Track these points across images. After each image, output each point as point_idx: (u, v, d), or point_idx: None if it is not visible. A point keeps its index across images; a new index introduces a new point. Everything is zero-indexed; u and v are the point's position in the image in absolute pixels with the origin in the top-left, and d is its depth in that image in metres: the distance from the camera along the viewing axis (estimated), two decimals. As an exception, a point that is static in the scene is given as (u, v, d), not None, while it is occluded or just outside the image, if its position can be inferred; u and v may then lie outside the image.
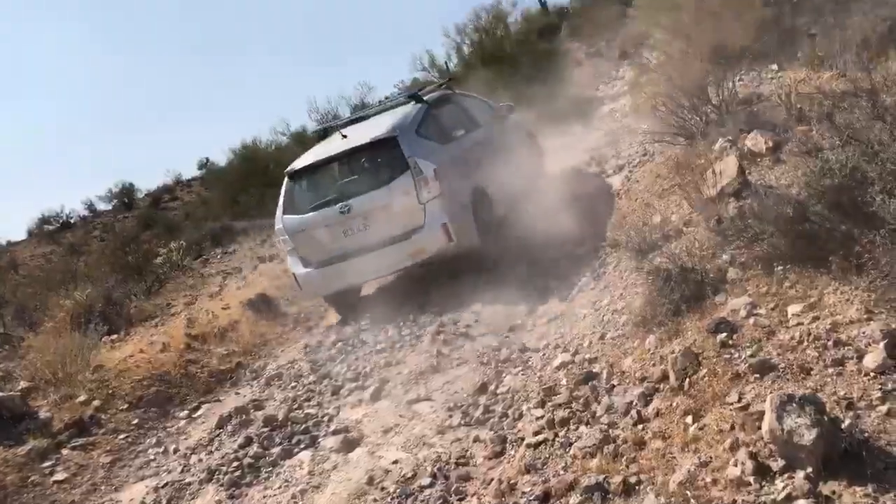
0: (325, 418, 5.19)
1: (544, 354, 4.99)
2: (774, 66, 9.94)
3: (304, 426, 5.14)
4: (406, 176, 6.94)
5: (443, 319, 6.29)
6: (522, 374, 4.86)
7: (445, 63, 21.37)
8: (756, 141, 6.11)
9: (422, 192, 6.91)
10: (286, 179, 7.75)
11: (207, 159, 37.73)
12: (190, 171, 41.59)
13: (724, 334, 3.58)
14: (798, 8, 11.54)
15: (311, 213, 7.34)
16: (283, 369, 6.42)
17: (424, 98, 8.24)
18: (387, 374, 5.55)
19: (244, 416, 5.56)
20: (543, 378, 4.62)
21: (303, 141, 21.20)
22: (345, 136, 7.65)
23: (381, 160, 7.23)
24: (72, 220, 36.09)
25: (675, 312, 4.19)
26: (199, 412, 6.05)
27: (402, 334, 6.23)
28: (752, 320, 3.62)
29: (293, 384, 5.96)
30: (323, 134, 8.90)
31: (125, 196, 37.80)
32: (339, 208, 7.11)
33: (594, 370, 4.32)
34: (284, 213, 7.52)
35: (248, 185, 21.27)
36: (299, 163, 7.77)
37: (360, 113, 9.56)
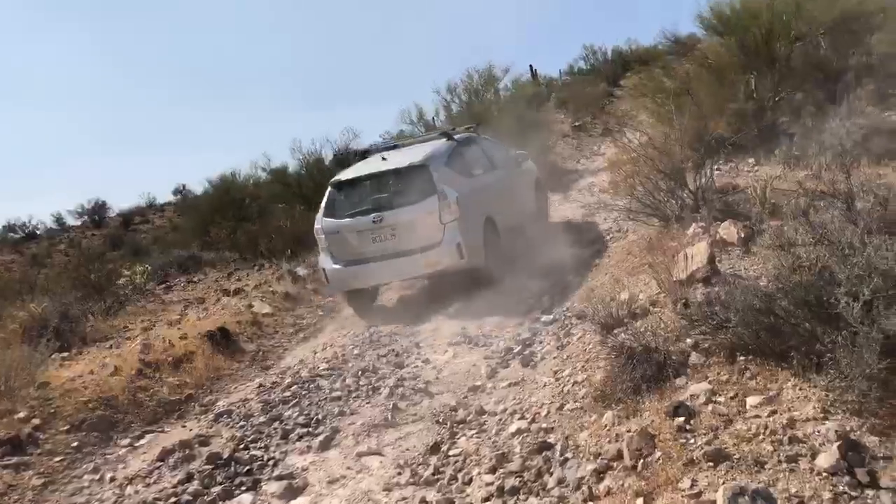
0: (271, 462, 5.06)
1: (501, 419, 4.93)
2: (752, 160, 10.19)
3: (248, 468, 4.99)
4: (433, 199, 8.09)
5: (402, 373, 6.23)
6: (477, 438, 4.79)
7: (433, 118, 21.63)
8: (729, 230, 6.22)
9: (444, 214, 8.05)
10: (330, 188, 8.91)
11: (184, 186, 37.63)
12: (165, 196, 41.40)
13: (682, 418, 3.57)
14: (778, 107, 11.91)
15: (347, 219, 8.48)
16: (233, 406, 6.28)
17: (454, 137, 9.58)
18: (339, 423, 5.44)
19: (188, 451, 5.40)
20: (498, 443, 4.55)
21: (283, 179, 21.23)
22: (384, 159, 9.01)
23: (414, 183, 8.29)
24: (38, 231, 35.50)
25: (635, 391, 4.18)
26: (142, 441, 5.85)
27: (360, 384, 6.15)
28: (710, 407, 3.62)
29: (242, 423, 5.81)
30: (363, 155, 10.36)
31: (96, 213, 37.40)
32: (372, 217, 8.25)
33: (549, 441, 4.28)
34: (324, 216, 8.67)
35: (221, 216, 21.16)
36: (343, 175, 9.03)
37: (398, 142, 11.02)
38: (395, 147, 10.08)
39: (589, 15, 73.17)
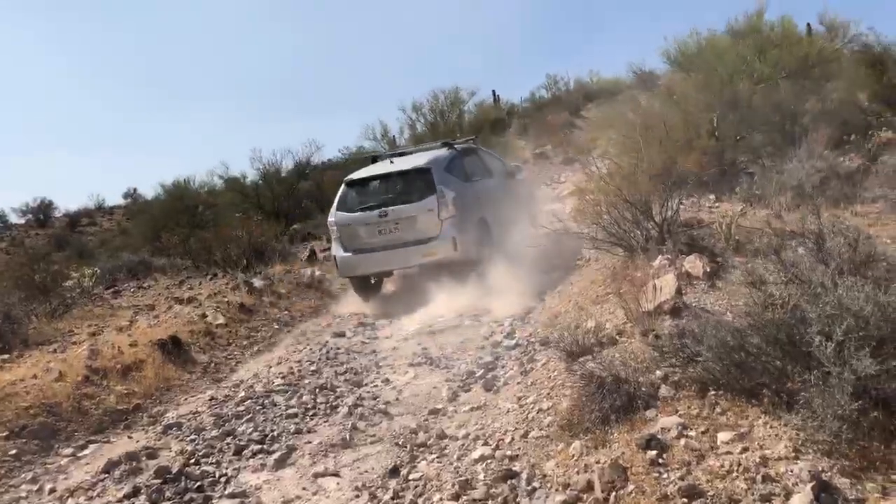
0: (223, 478, 4.85)
1: (463, 444, 4.82)
2: (712, 197, 10.34)
3: (198, 484, 4.78)
4: (433, 198, 9.17)
5: (361, 392, 6.10)
6: (438, 462, 4.67)
7: (394, 137, 21.63)
8: (694, 264, 6.25)
9: (442, 211, 9.11)
10: (343, 185, 10.09)
11: (135, 190, 36.93)
12: (115, 199, 40.51)
13: (655, 451, 3.52)
14: (739, 146, 12.14)
15: (357, 213, 9.64)
16: (183, 419, 6.04)
17: (455, 146, 10.76)
18: (296, 441, 5.27)
19: (134, 463, 5.16)
20: (460, 469, 4.44)
21: (241, 188, 20.97)
22: (392, 162, 10.21)
23: (417, 183, 9.45)
24: (-22, 228, 34.41)
25: (604, 421, 4.12)
26: (86, 452, 5.57)
27: (317, 402, 5.99)
28: (682, 441, 3.58)
29: (193, 436, 5.58)
30: (374, 159, 11.40)
31: (41, 212, 36.36)
32: (378, 212, 9.40)
33: (515, 468, 4.18)
34: (337, 209, 9.83)
35: (173, 222, 20.78)
36: (356, 175, 10.22)
37: (405, 149, 12.47)
38: (402, 154, 11.10)
39: (553, 44, 74.17)
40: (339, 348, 7.67)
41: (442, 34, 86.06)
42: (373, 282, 10.35)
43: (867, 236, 4.16)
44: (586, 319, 6.15)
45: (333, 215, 9.83)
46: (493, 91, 28.15)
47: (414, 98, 21.98)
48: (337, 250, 9.82)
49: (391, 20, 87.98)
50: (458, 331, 7.55)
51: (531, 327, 7.06)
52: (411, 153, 11.00)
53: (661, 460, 3.48)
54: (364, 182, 10.03)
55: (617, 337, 5.38)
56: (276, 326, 8.93)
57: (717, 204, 9.93)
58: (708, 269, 6.16)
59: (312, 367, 7.02)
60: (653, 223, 7.29)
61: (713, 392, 3.99)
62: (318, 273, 10.87)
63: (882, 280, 3.75)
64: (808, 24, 14.47)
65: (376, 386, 6.29)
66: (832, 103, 12.66)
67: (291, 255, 13.18)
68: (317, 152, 22.51)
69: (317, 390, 6.25)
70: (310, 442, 5.23)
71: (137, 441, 5.70)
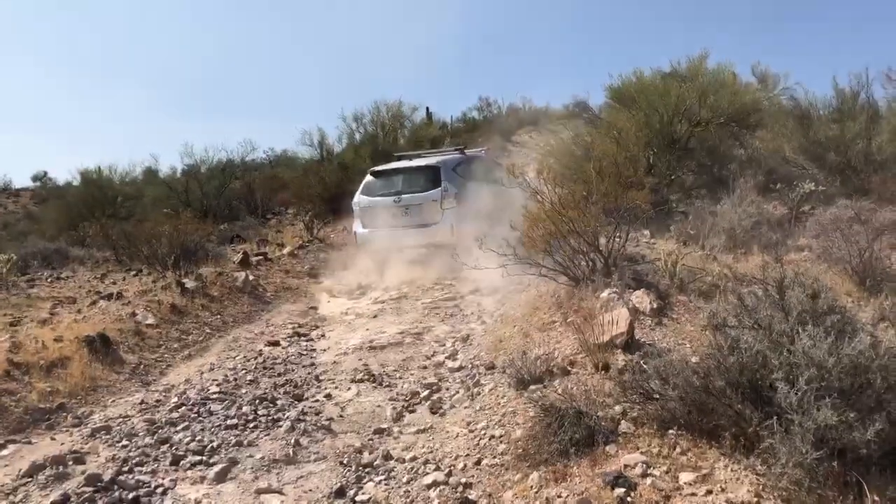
0: (160, 489, 4.60)
1: (412, 468, 4.71)
2: (647, 233, 10.57)
3: (133, 494, 4.51)
4: (438, 190, 11.22)
5: (303, 407, 5.92)
6: (386, 485, 4.55)
7: (332, 145, 21.43)
8: (642, 300, 6.36)
9: (444, 202, 11.12)
10: (368, 174, 12.39)
11: (45, 173, 35.27)
12: (23, 181, 38.59)
13: (623, 489, 3.52)
14: (673, 185, 12.49)
15: (377, 198, 11.79)
16: (112, 422, 5.72)
17: (465, 152, 13.14)
18: (237, 454, 5.05)
19: (61, 468, 4.84)
20: (411, 494, 4.35)
21: (166, 183, 20.29)
22: (410, 160, 12.76)
23: (427, 178, 11.53)
24: None
25: (563, 454, 4.11)
26: (5, 452, 5.19)
27: (258, 413, 5.77)
28: (648, 481, 3.59)
29: (125, 442, 5.28)
30: (398, 158, 13.72)
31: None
32: (394, 198, 11.55)
33: (471, 496, 4.11)
34: (361, 194, 12.07)
35: (90, 212, 19.92)
36: (380, 168, 12.60)
37: (424, 151, 14.54)
38: (420, 155, 13.52)
39: (488, 67, 75.04)
40: (275, 358, 7.44)
41: (379, 44, 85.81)
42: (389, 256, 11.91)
43: (828, 288, 4.29)
44: (533, 347, 6.16)
45: (358, 198, 12.03)
46: (427, 108, 28.24)
47: (355, 108, 21.86)
48: (357, 227, 12.03)
49: (332, 26, 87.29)
50: (399, 349, 7.44)
51: (474, 350, 7.01)
52: (428, 154, 13.48)
53: (629, 499, 3.48)
54: (385, 173, 12.20)
55: (568, 367, 5.39)
56: (208, 330, 8.61)
57: (652, 240, 10.17)
58: (654, 306, 6.28)
59: (249, 377, 6.77)
60: (599, 255, 7.39)
61: (673, 431, 4.03)
62: (251, 278, 10.56)
63: (839, 331, 3.86)
64: (733, 73, 15.07)
65: (318, 401, 6.11)
66: (761, 152, 13.20)
67: (221, 256, 12.78)
68: (251, 153, 22.06)
69: (256, 401, 6.02)
70: (252, 456, 5.02)
71: (62, 444, 5.36)
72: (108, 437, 5.45)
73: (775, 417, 3.63)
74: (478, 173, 12.14)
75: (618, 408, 4.38)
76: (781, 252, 8.27)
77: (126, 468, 4.87)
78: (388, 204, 11.55)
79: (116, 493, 4.52)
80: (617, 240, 7.42)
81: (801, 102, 13.41)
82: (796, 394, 3.55)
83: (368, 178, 12.29)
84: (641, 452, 3.90)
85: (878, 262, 6.90)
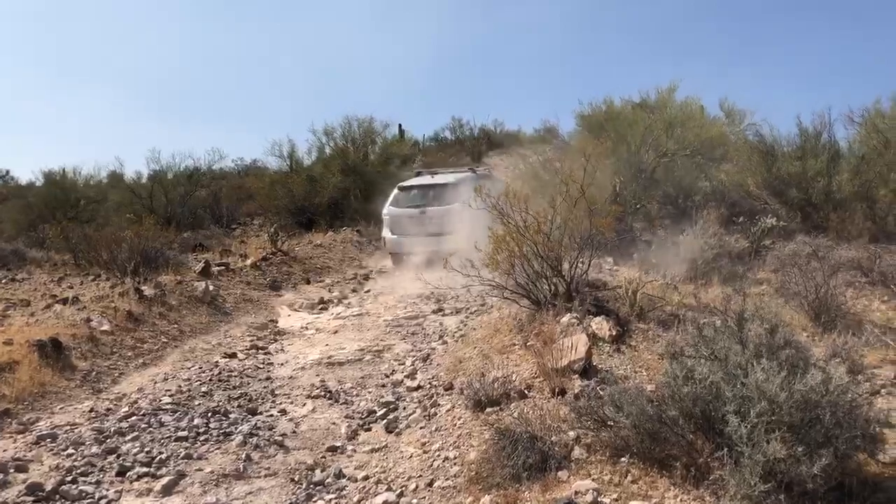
0: (103, 501, 4.48)
1: (364, 487, 4.66)
2: (611, 260, 10.66)
3: (75, 506, 4.41)
4: (456, 205, 12.22)
5: (257, 421, 5.83)
6: None
7: (301, 158, 21.35)
8: (601, 326, 6.39)
9: (462, 215, 11.36)
10: (396, 189, 14.21)
11: (7, 172, 34.59)
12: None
13: (573, 516, 3.51)
14: (637, 214, 12.63)
15: (405, 209, 13.54)
16: (59, 430, 5.58)
17: (476, 171, 14.98)
18: (186, 466, 4.95)
19: (1, 476, 4.69)
20: (361, 513, 4.30)
21: (131, 188, 20.01)
22: (432, 177, 14.45)
23: (447, 193, 13.16)
24: None
25: (516, 478, 4.09)
26: (-57, 457, 5.06)
27: (210, 426, 5.67)
28: (599, 508, 3.59)
29: (70, 451, 5.15)
30: (419, 174, 15.33)
31: None
32: (419, 210, 13.27)
33: (421, 519, 4.08)
34: (390, 205, 13.86)
35: (52, 213, 19.56)
36: (406, 183, 14.36)
37: (443, 169, 16.18)
38: (439, 172, 15.18)
39: (462, 89, 75.41)
40: (231, 370, 7.33)
41: (355, 60, 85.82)
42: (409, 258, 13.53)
43: (786, 323, 4.35)
44: (492, 369, 6.15)
45: (387, 209, 13.87)
46: (400, 125, 28.29)
47: (326, 122, 21.83)
48: (386, 233, 13.83)
49: (308, 40, 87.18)
50: (358, 366, 7.38)
51: (434, 370, 6.97)
52: (445, 172, 15.22)
53: (579, 526, 3.47)
54: (411, 188, 13.98)
55: (526, 391, 5.39)
56: (165, 339, 8.46)
57: (616, 267, 10.26)
58: (614, 333, 6.32)
59: (203, 388, 6.66)
60: (561, 279, 7.42)
61: (625, 459, 4.04)
62: (211, 288, 10.42)
63: (792, 366, 3.91)
64: (701, 107, 15.38)
65: (272, 416, 6.03)
66: (725, 185, 13.42)
67: (182, 264, 12.60)
68: (219, 161, 21.87)
69: (209, 414, 5.92)
70: (201, 469, 4.93)
71: (4, 450, 5.21)
72: (53, 444, 5.31)
73: (726, 449, 3.67)
74: (488, 188, 12.89)
75: (572, 433, 4.38)
76: (743, 285, 8.38)
77: (70, 478, 4.74)
78: (414, 214, 13.29)
79: (58, 504, 4.40)
80: (580, 265, 7.46)
81: (766, 138, 13.66)
82: (747, 426, 3.59)
83: (396, 191, 14.13)
84: (593, 479, 3.90)
85: (834, 299, 7.01)
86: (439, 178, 14.11)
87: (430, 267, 11.61)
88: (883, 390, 5.20)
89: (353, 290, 12.05)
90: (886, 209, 11.92)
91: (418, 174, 15.49)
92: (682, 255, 9.81)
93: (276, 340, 8.86)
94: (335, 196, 19.28)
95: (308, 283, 12.92)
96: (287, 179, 20.11)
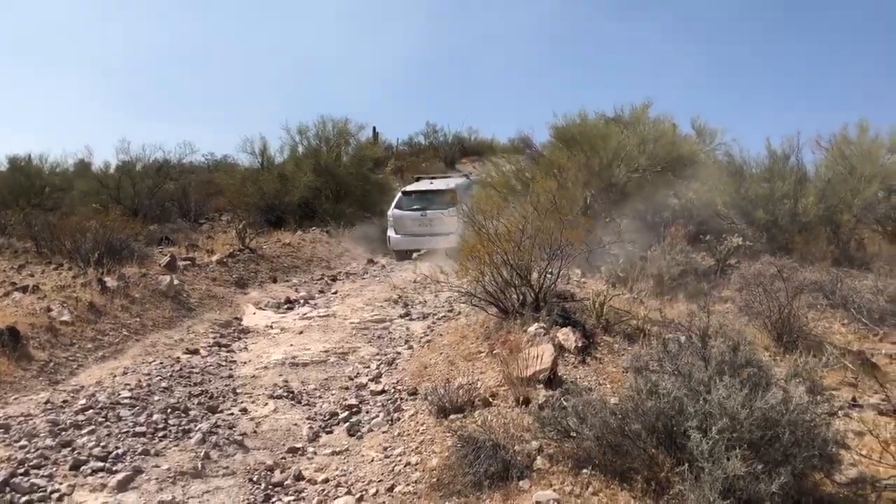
0: (55, 495, 4.38)
1: (323, 490, 4.62)
2: (578, 271, 10.71)
3: (26, 498, 4.30)
4: (455, 208, 11.61)
5: (217, 419, 5.75)
6: (295, 505, 4.46)
7: (273, 156, 21.20)
8: (567, 337, 6.42)
9: (459, 217, 11.30)
10: (400, 194, 16.01)
11: (-29, 155, 33.88)
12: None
13: (533, 526, 3.51)
14: (607, 228, 12.71)
15: (408, 211, 15.26)
16: (12, 421, 5.46)
17: (470, 177, 17.00)
18: (142, 462, 4.86)
19: (-50, 466, 4.59)
20: (320, 516, 4.25)
21: (98, 178, 19.69)
22: (432, 182, 16.52)
23: (446, 197, 14.22)
24: None
25: (477, 486, 4.09)
26: None
27: (169, 423, 5.58)
28: (559, 519, 3.59)
29: (23, 442, 5.04)
30: (417, 179, 17.49)
31: None
32: (421, 213, 15.00)
33: (380, 524, 4.05)
34: (395, 208, 15.54)
35: (16, 199, 19.16)
36: (410, 188, 16.24)
37: (441, 175, 19.16)
38: (439, 177, 17.49)
39: (440, 94, 75.39)
40: (192, 367, 7.23)
41: (332, 60, 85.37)
42: (413, 256, 14.58)
43: (749, 341, 4.40)
44: (458, 375, 6.15)
45: (392, 211, 15.57)
46: (374, 128, 28.23)
47: (300, 121, 21.66)
48: (391, 233, 15.48)
49: (285, 38, 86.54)
50: (322, 367, 7.31)
51: (399, 374, 6.95)
52: (444, 178, 17.54)
53: (537, 536, 3.47)
54: (414, 193, 15.70)
55: (490, 399, 5.39)
56: (126, 333, 8.32)
57: (583, 279, 10.31)
58: (580, 345, 6.34)
59: (164, 384, 6.56)
60: (530, 289, 7.44)
61: (587, 470, 4.05)
62: (176, 283, 10.27)
63: (754, 384, 3.96)
64: (674, 124, 15.57)
65: (233, 414, 5.95)
66: (694, 203, 13.58)
67: (147, 257, 12.41)
68: (190, 155, 21.60)
69: (168, 410, 5.83)
70: (158, 466, 4.85)
71: (-46, 440, 5.09)
72: (6, 436, 5.21)
73: (687, 464, 3.70)
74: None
75: (535, 443, 4.39)
76: (707, 302, 8.47)
77: (22, 470, 4.65)
78: (417, 216, 15.01)
79: (7, 497, 4.31)
80: (549, 276, 7.49)
81: (735, 158, 13.83)
82: (708, 443, 3.62)
83: (400, 195, 15.88)
84: (554, 490, 3.91)
85: (796, 320, 7.11)
86: (438, 184, 16.02)
87: (427, 261, 12.43)
88: (840, 412, 5.27)
89: (321, 291, 11.97)
90: (849, 234, 12.15)
91: (418, 179, 17.37)
92: (649, 270, 9.90)
93: (239, 338, 8.77)
94: (306, 196, 19.15)
95: (275, 281, 12.81)
96: (258, 176, 19.93)
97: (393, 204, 15.77)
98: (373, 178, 20.68)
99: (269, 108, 72.22)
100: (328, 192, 19.29)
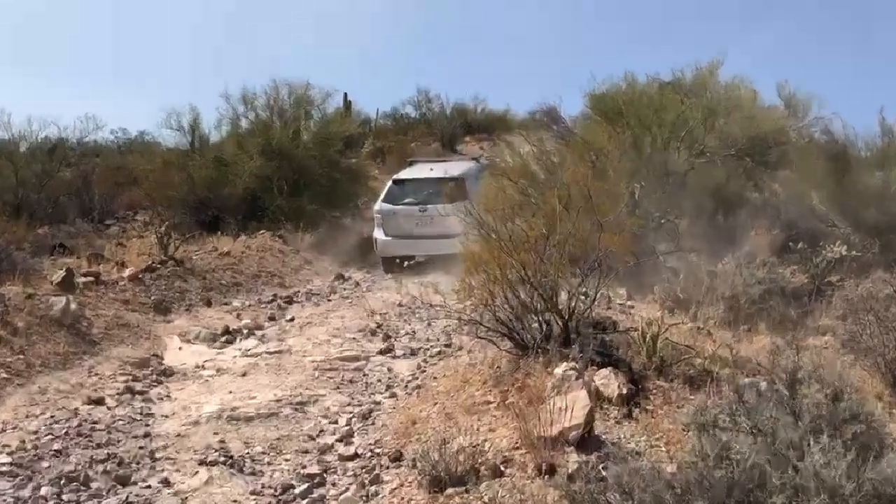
0: None
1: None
2: (623, 292, 10.75)
3: None
4: (463, 202, 12.25)
5: (128, 494, 5.77)
6: None
7: (208, 133, 21.29)
8: (608, 382, 6.45)
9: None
10: (391, 183, 16.39)
11: None
12: None
13: None
14: (661, 232, 12.75)
15: (400, 206, 15.50)
16: None
17: (480, 161, 17.89)
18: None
19: None
20: None
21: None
22: (431, 169, 16.79)
23: (452, 188, 14.42)
24: None
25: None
26: None
27: (62, 498, 5.59)
28: None
29: None
30: (412, 164, 18.06)
31: None
32: (419, 208, 15.15)
33: None
34: (383, 201, 15.87)
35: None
36: (402, 175, 16.67)
37: (439, 159, 20.12)
38: (434, 161, 17.96)
39: (438, 53, 75.35)
40: (96, 422, 7.24)
41: (285, 7, 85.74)
42: (405, 264, 15.82)
43: (855, 388, 4.42)
44: (457, 434, 6.16)
45: (379, 205, 15.84)
46: (345, 94, 28.04)
47: (245, 86, 21.42)
48: (378, 234, 15.69)
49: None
50: (273, 423, 7.32)
51: (377, 432, 6.97)
52: (444, 161, 18.37)
53: None
54: (409, 182, 16.01)
55: (502, 467, 5.40)
56: (5, 376, 8.32)
57: (630, 303, 10.35)
58: (624, 392, 6.36)
59: (56, 446, 6.57)
60: (557, 316, 7.45)
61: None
62: (74, 307, 10.28)
63: (862, 447, 3.97)
64: (753, 91, 15.64)
65: (150, 487, 5.95)
66: (781, 198, 13.63)
67: (35, 271, 12.43)
68: (94, 132, 21.62)
69: (62, 481, 5.84)
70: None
71: None
72: None
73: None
74: None
75: (564, 530, 4.40)
76: (798, 334, 8.50)
77: None
78: (412, 212, 15.28)
79: None
80: (582, 298, 7.51)
81: (837, 138, 13.90)
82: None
83: (390, 185, 16.24)
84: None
85: (921, 359, 7.15)
86: (439, 170, 16.38)
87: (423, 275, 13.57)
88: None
89: (271, 318, 12.00)
90: None
91: (412, 164, 17.87)
92: (719, 291, 9.94)
93: (160, 383, 8.78)
94: (252, 187, 19.15)
95: (209, 305, 12.83)
96: (186, 161, 19.91)
97: (381, 196, 16.04)
98: (343, 164, 20.63)
99: (203, 70, 72.34)
100: (282, 182, 19.22)
